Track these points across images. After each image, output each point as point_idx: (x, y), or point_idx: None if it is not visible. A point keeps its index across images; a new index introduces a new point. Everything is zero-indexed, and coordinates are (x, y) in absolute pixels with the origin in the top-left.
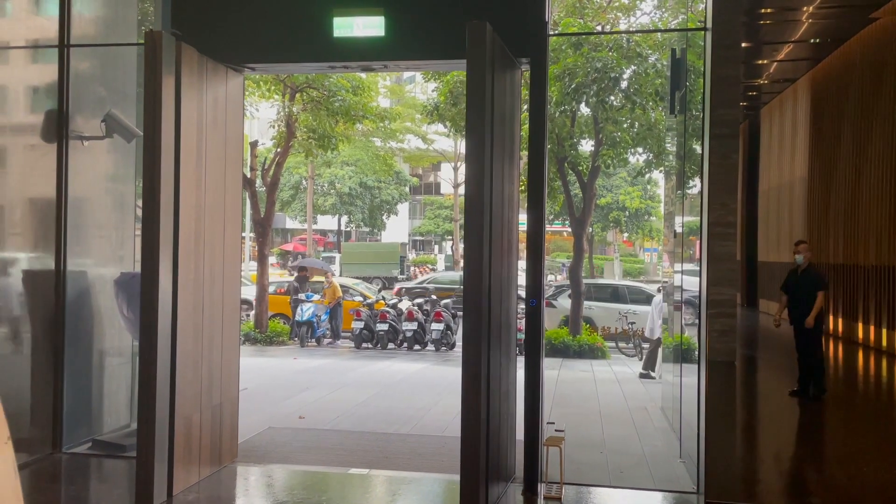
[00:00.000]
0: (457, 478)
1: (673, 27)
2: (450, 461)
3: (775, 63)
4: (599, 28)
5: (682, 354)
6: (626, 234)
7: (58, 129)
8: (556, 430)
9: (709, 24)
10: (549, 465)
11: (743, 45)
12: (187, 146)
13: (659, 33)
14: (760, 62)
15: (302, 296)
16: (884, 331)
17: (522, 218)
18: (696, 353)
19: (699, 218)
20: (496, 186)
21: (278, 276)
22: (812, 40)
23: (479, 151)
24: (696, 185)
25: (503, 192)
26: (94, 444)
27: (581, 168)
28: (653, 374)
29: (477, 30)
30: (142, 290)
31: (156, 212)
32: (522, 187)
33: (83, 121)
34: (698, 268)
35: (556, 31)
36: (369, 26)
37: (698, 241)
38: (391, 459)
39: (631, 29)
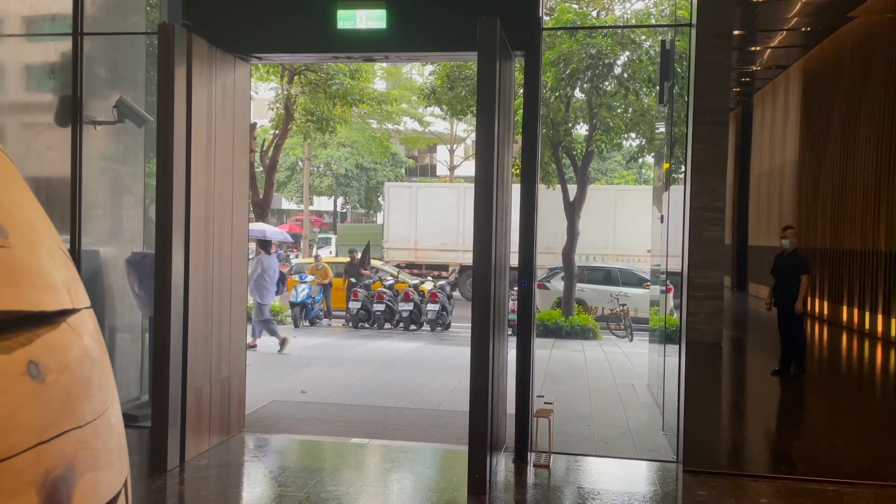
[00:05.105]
0: (452, 447)
1: (664, 16)
2: (445, 433)
3: (769, 50)
4: (595, 13)
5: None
6: None
7: (72, 113)
8: (545, 403)
9: (694, 21)
10: (538, 435)
11: (737, 32)
12: (198, 133)
13: (651, 21)
14: (754, 49)
15: (296, 277)
16: (867, 314)
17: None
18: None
19: (683, 202)
20: (498, 171)
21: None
22: (804, 28)
23: (488, 140)
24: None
25: (503, 176)
26: None
27: (575, 152)
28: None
29: (488, 25)
30: (156, 270)
31: (169, 196)
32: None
33: (89, 100)
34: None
35: (552, 18)
36: (371, 19)
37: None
38: (389, 430)
39: (625, 16)
